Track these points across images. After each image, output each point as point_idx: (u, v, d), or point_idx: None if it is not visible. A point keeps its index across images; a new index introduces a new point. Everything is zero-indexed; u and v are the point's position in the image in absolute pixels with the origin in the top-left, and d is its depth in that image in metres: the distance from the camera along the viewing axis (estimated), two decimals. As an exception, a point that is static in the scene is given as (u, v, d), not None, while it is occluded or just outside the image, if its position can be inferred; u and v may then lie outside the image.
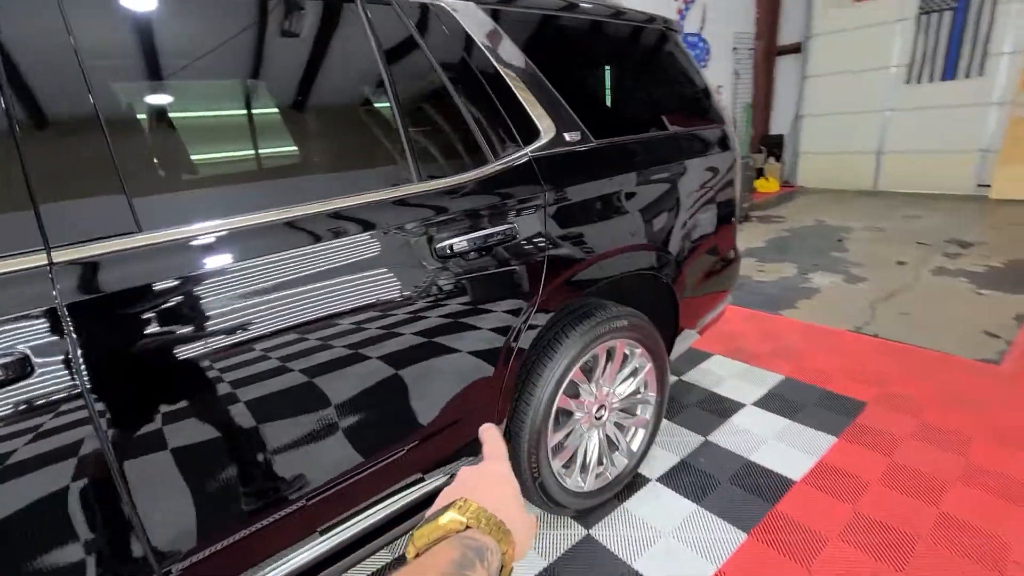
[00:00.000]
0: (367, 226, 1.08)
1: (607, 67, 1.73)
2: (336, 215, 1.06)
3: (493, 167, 1.29)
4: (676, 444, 2.11)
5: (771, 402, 2.36)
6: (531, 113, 1.40)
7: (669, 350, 2.00)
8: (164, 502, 0.89)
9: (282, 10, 1.08)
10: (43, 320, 0.75)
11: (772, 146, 8.38)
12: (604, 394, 1.73)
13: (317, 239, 1.02)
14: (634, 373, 1.82)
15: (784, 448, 2.04)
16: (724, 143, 2.02)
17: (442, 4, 1.30)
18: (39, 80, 0.80)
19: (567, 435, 1.68)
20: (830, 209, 6.46)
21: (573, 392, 1.65)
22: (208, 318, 0.89)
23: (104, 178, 0.83)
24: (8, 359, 0.72)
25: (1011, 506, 1.68)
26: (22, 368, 0.73)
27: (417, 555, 0.37)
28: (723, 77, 7.56)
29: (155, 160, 1.00)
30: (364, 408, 1.13)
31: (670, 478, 1.92)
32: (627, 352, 1.75)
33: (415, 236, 1.15)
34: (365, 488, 1.18)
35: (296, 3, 1.09)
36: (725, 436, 2.14)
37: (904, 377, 2.49)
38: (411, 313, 1.15)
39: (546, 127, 1.42)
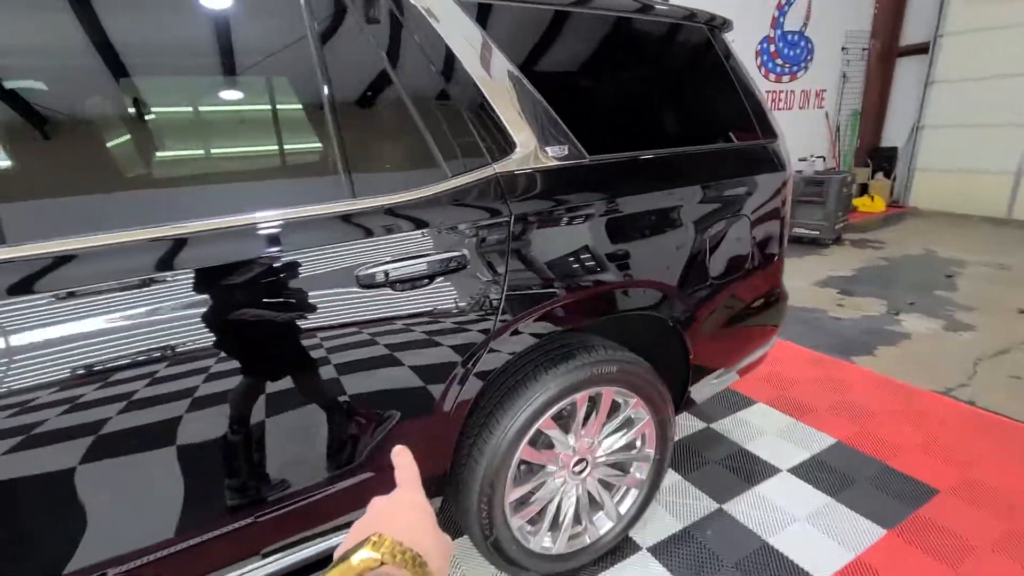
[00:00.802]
0: (279, 244, 0.96)
1: (624, 71, 1.49)
2: (241, 232, 0.94)
3: (445, 185, 1.12)
4: (683, 508, 1.82)
5: (813, 471, 1.98)
6: (505, 123, 1.21)
7: (682, 399, 1.72)
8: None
9: None
10: None
11: (882, 160, 7.38)
12: (585, 447, 1.51)
13: (221, 259, 0.91)
14: (627, 424, 1.58)
15: (815, 534, 1.68)
16: (773, 161, 1.70)
17: (404, -4, 1.14)
18: None
19: (536, 488, 1.48)
20: (944, 237, 5.55)
21: (546, 442, 1.44)
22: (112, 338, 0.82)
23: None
24: None
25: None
26: None
27: None
28: (828, 80, 6.74)
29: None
30: (271, 448, 1.01)
31: (665, 549, 1.65)
32: (618, 401, 1.51)
33: (341, 259, 1.01)
34: (267, 532, 1.07)
35: None
36: (745, 507, 1.81)
37: (999, 463, 2.00)
38: (334, 345, 1.02)
39: (523, 140, 1.22)
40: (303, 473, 1.07)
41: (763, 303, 1.78)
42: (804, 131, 6.72)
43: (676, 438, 2.15)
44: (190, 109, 1.06)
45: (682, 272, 1.48)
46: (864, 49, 6.91)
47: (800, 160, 5.78)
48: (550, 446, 1.46)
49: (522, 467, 1.43)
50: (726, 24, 1.67)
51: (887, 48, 6.92)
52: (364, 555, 0.37)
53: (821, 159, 6.09)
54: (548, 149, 1.26)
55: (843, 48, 6.72)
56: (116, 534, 0.91)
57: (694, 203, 1.48)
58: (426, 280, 1.09)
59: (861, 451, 2.09)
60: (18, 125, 0.85)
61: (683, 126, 1.54)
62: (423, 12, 1.13)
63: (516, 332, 1.22)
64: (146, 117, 0.98)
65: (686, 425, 2.30)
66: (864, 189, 7.32)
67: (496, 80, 1.20)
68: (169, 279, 0.87)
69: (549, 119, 1.27)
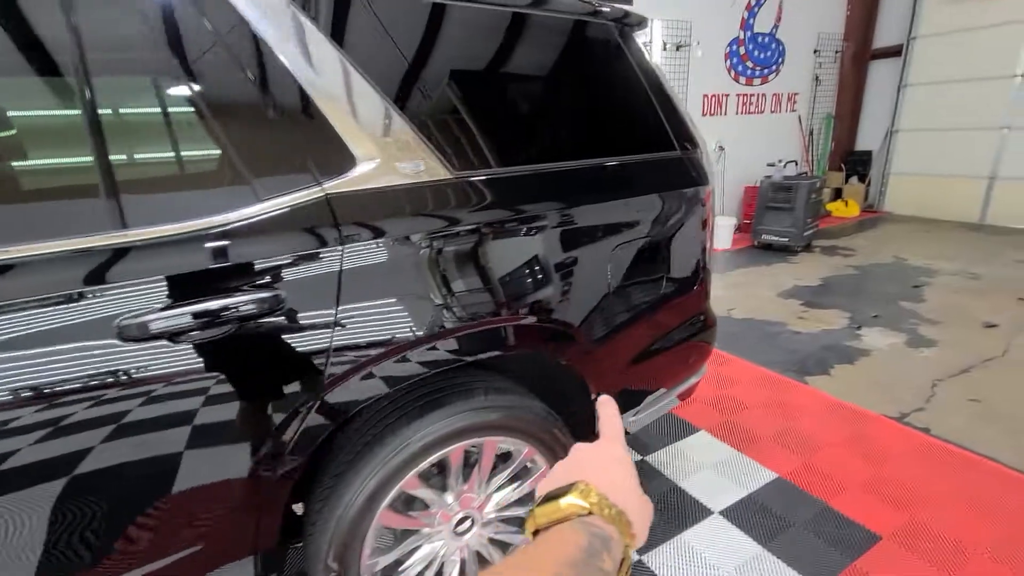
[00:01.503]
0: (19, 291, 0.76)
1: (508, 74, 1.29)
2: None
3: (252, 210, 0.92)
4: (599, 560, 1.63)
5: (747, 513, 1.80)
6: (341, 134, 1.01)
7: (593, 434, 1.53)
8: None
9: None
10: None
11: (856, 164, 7.28)
12: (469, 502, 1.31)
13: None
14: (524, 474, 1.39)
15: (740, 593, 1.51)
16: (690, 175, 1.51)
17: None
18: None
19: (409, 554, 1.28)
20: (917, 244, 5.44)
21: (418, 503, 1.25)
22: None
23: None
24: None
25: None
26: None
27: (536, 531, 0.38)
28: (800, 83, 6.61)
29: None
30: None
31: (571, 613, 1.46)
32: (507, 448, 1.32)
33: (99, 307, 0.81)
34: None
35: None
36: (667, 558, 1.63)
37: (949, 503, 1.83)
38: (86, 413, 0.82)
39: (366, 154, 1.02)
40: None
41: (683, 332, 1.60)
42: (776, 135, 6.60)
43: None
44: None
45: (572, 305, 1.28)
46: (837, 52, 6.80)
47: (768, 165, 5.64)
48: (425, 506, 1.27)
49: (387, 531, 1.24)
50: (640, 22, 1.48)
51: (860, 51, 6.82)
52: (573, 500, 0.37)
53: (793, 163, 5.95)
54: (400, 165, 1.07)
55: (815, 51, 6.60)
56: None
57: (589, 223, 1.29)
58: (225, 327, 0.89)
59: (802, 488, 1.91)
60: None
61: (581, 137, 1.34)
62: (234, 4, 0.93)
63: (351, 385, 1.02)
64: None
65: (620, 458, 2.11)
66: (838, 194, 7.21)
67: (329, 81, 1.00)
68: None
69: (405, 131, 1.07)
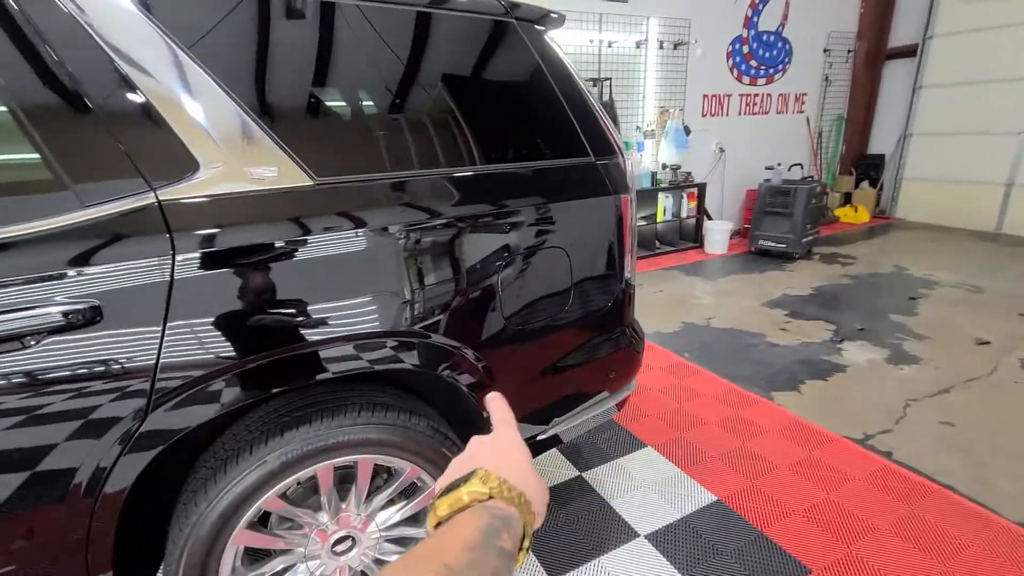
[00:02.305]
0: None
1: (384, 71, 1.21)
2: None
3: (72, 217, 0.88)
4: (507, 582, 1.56)
5: (673, 539, 1.71)
6: (180, 135, 0.96)
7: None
8: None
9: None
10: None
11: (868, 168, 7.00)
12: (348, 521, 1.26)
13: None
14: (412, 491, 1.33)
15: (645, 626, 1.42)
16: (604, 183, 1.43)
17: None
18: None
19: (283, 570, 1.24)
20: (922, 253, 5.20)
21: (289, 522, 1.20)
22: None
23: None
24: None
25: None
26: None
27: (438, 524, 0.38)
28: (809, 84, 6.38)
29: None
30: None
31: (464, 639, 1.40)
32: (386, 465, 1.27)
33: None
34: None
35: None
36: (578, 584, 1.56)
37: (893, 537, 1.71)
38: None
39: (210, 158, 0.98)
40: None
41: (601, 347, 1.52)
42: (782, 137, 6.39)
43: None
44: None
45: (454, 319, 1.22)
46: (849, 51, 6.55)
47: (767, 168, 5.45)
48: (298, 525, 1.22)
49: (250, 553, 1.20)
50: (549, 19, 1.40)
51: (874, 50, 6.55)
52: (474, 487, 0.39)
53: (799, 167, 5.75)
54: (251, 170, 1.01)
55: (825, 50, 6.36)
56: None
57: (475, 232, 1.22)
58: (29, 340, 0.85)
59: (739, 514, 1.81)
60: None
61: (471, 141, 1.27)
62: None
63: (185, 402, 0.98)
64: None
65: (557, 473, 2.04)
66: (848, 199, 6.96)
67: (163, 77, 0.95)
68: None
69: (254, 132, 1.02)
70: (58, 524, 0.95)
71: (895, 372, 2.82)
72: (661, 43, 5.17)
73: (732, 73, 5.79)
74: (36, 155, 0.88)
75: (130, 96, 0.93)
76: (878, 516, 1.80)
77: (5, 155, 0.94)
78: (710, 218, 5.85)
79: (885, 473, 2.02)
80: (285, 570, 1.25)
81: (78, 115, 0.90)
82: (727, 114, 5.92)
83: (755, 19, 5.70)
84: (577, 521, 1.79)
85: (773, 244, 5.19)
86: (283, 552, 1.23)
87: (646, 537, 1.72)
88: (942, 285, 4.22)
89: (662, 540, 1.71)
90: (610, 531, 1.75)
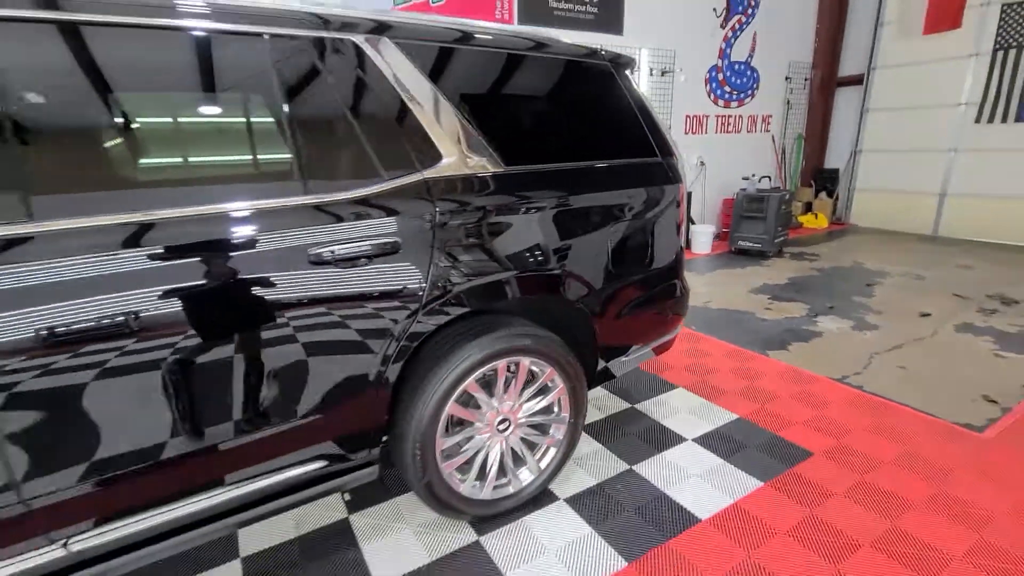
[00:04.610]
0: (248, 228, 1.25)
1: (538, 97, 1.82)
2: (229, 217, 1.23)
3: (381, 185, 1.43)
4: (599, 468, 2.12)
5: (713, 440, 2.31)
6: (433, 138, 1.52)
7: (593, 373, 2.03)
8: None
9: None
10: None
11: (825, 180, 7.96)
12: (507, 408, 1.80)
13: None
14: (543, 391, 1.88)
15: (705, 487, 2.00)
16: (668, 175, 2.05)
17: (350, 38, 1.44)
18: None
19: (465, 440, 1.76)
20: (874, 251, 6.07)
21: (474, 403, 1.74)
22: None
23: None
24: None
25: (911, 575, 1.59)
26: None
27: None
28: (773, 107, 7.30)
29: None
30: (243, 394, 1.29)
31: (579, 500, 1.95)
32: (534, 370, 1.82)
33: (292, 243, 1.30)
34: (234, 459, 1.33)
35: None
36: (651, 468, 2.13)
37: (868, 433, 2.36)
38: (286, 311, 1.30)
39: (448, 152, 1.54)
40: (271, 414, 1.34)
41: (665, 294, 2.12)
42: (752, 153, 7.25)
43: (601, 417, 2.47)
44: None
45: (591, 264, 1.81)
46: (806, 79, 7.52)
47: (743, 179, 6.26)
48: (478, 407, 1.75)
49: (453, 421, 1.72)
50: (630, 63, 2.03)
51: (827, 78, 7.54)
52: None
53: (767, 178, 6.58)
54: (471, 160, 1.58)
55: (787, 78, 7.30)
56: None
57: (601, 206, 1.82)
58: (361, 260, 1.38)
59: (757, 424, 2.43)
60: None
61: (589, 145, 1.87)
62: (377, 65, 1.45)
63: (440, 308, 1.52)
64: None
65: (612, 406, 2.62)
66: (809, 207, 7.88)
67: (424, 104, 1.52)
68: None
69: (471, 136, 1.59)
70: (363, 390, 1.47)
71: (860, 335, 3.53)
72: (651, 70, 5.93)
73: (710, 97, 6.61)
74: (369, 152, 1.43)
75: (412, 119, 1.49)
76: (856, 423, 2.44)
77: (355, 153, 1.47)
78: (693, 223, 6.60)
79: (858, 399, 2.68)
80: (466, 440, 1.77)
81: (387, 130, 1.46)
82: (706, 132, 6.73)
83: (728, 51, 6.56)
84: (642, 433, 2.37)
85: (750, 244, 5.96)
86: (469, 424, 1.76)
87: (693, 440, 2.31)
88: (892, 275, 5.04)
89: (704, 441, 2.30)
90: (665, 438, 2.33)
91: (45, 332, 1.05)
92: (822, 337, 3.52)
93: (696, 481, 2.04)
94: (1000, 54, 6.05)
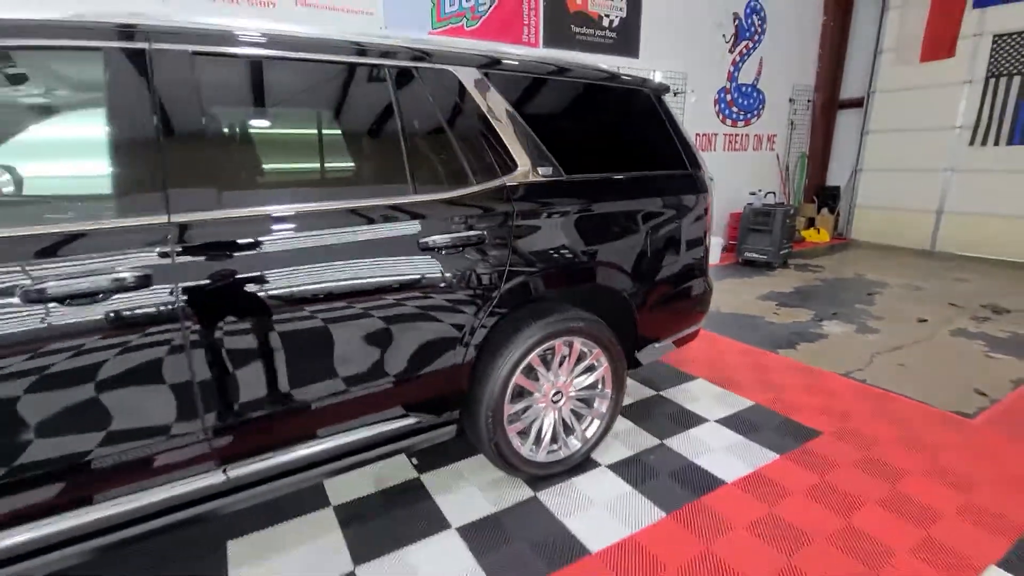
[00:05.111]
0: (371, 221, 1.56)
1: (591, 117, 2.14)
2: (354, 212, 1.54)
3: (471, 188, 1.74)
4: (634, 442, 2.41)
5: (733, 421, 2.59)
6: (511, 150, 1.84)
7: (632, 356, 2.33)
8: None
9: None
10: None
11: (827, 197, 8.31)
12: (561, 382, 2.09)
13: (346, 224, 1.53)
14: (591, 369, 2.17)
15: (728, 457, 2.29)
16: (696, 185, 2.36)
17: (450, 69, 1.77)
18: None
19: (525, 409, 2.05)
20: (875, 264, 6.39)
21: (533, 375, 2.03)
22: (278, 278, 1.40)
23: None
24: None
25: (910, 526, 1.86)
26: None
27: None
28: (778, 127, 7.68)
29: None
30: (356, 355, 1.58)
31: (618, 467, 2.23)
32: (584, 350, 2.11)
33: (406, 232, 1.61)
34: (345, 410, 1.62)
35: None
36: (679, 442, 2.41)
37: (871, 418, 2.64)
38: (395, 288, 1.60)
39: (522, 162, 1.86)
40: (374, 374, 1.64)
41: (692, 291, 2.43)
42: (757, 170, 7.61)
43: (631, 402, 2.75)
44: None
45: (633, 259, 2.11)
46: (809, 101, 7.91)
47: (751, 193, 6.60)
48: (536, 379, 2.04)
49: (515, 391, 2.01)
50: (666, 89, 2.36)
51: (829, 101, 7.93)
52: None
53: (772, 194, 6.92)
54: (539, 168, 1.90)
55: (791, 100, 7.69)
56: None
57: (643, 210, 2.13)
58: (457, 249, 1.69)
59: (771, 409, 2.71)
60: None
61: (634, 157, 2.20)
62: (468, 89, 1.77)
63: (515, 291, 1.82)
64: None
65: (640, 393, 2.90)
66: (812, 223, 8.21)
67: (504, 123, 1.84)
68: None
69: (540, 150, 1.90)
70: (453, 359, 1.76)
71: (862, 337, 3.83)
72: (664, 91, 6.30)
73: (718, 116, 6.99)
74: (463, 161, 1.74)
75: (495, 135, 1.81)
76: (860, 409, 2.73)
77: (452, 162, 1.78)
78: (703, 235, 6.92)
79: (861, 390, 2.97)
80: (525, 409, 2.06)
81: (476, 143, 1.78)
82: (715, 149, 7.09)
83: (736, 73, 6.95)
84: (669, 414, 2.65)
85: (757, 255, 6.28)
86: (529, 395, 2.04)
87: (716, 421, 2.60)
88: (892, 286, 5.35)
89: (725, 422, 2.58)
90: (690, 419, 2.62)
91: (288, 290, 1.44)
92: (827, 338, 3.81)
93: (720, 454, 2.32)
94: (992, 81, 6.43)
